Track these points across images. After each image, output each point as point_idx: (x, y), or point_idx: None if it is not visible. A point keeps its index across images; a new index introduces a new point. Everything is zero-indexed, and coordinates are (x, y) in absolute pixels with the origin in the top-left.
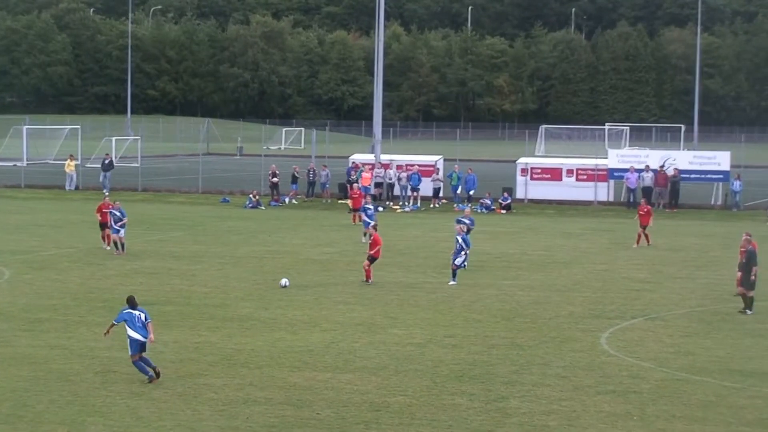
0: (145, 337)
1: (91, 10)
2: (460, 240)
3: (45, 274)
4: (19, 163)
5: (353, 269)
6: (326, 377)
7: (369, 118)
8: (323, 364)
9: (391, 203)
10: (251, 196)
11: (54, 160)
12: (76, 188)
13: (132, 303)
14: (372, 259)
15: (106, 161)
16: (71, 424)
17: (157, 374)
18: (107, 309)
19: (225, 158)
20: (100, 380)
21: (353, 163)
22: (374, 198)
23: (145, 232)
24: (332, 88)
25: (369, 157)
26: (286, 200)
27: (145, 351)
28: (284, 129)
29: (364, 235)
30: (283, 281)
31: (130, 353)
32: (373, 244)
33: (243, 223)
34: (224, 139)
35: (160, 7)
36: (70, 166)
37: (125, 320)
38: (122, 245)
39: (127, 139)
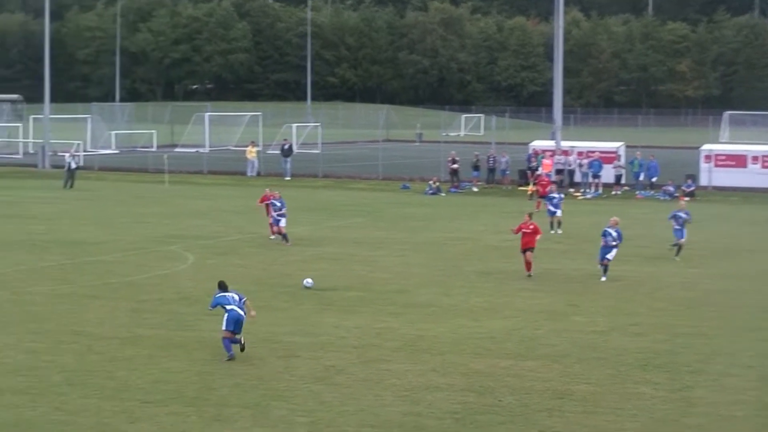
0: (243, 315)
1: None
2: (614, 233)
3: (228, 259)
4: (201, 150)
5: (535, 256)
6: (508, 364)
7: (549, 104)
8: (505, 351)
9: (572, 190)
10: (431, 182)
11: (235, 146)
12: (258, 174)
13: (223, 287)
14: (530, 249)
15: (286, 146)
16: (255, 408)
17: (242, 348)
18: (289, 294)
19: (404, 145)
20: (283, 365)
21: (533, 149)
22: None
23: (327, 219)
24: (511, 75)
25: (549, 144)
26: (470, 187)
27: (239, 333)
28: (464, 115)
29: (551, 225)
30: (307, 281)
31: (223, 328)
32: (534, 232)
33: (423, 209)
34: (403, 125)
35: None
36: (251, 153)
37: (220, 304)
38: (284, 236)
39: (307, 126)
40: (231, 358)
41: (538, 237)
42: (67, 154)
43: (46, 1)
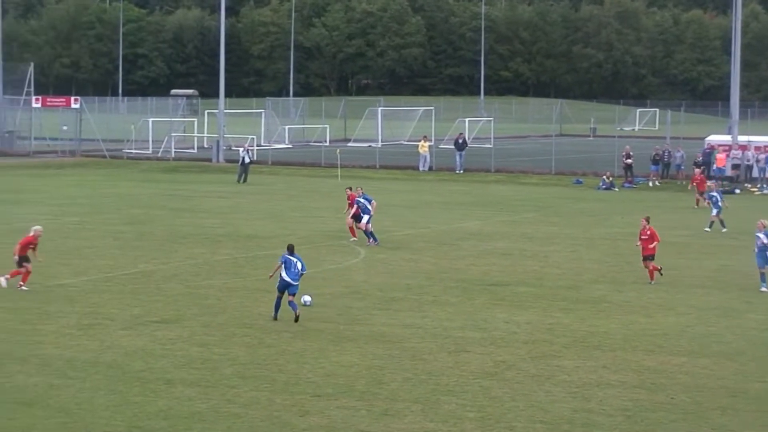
0: (295, 281)
1: None
2: (765, 239)
3: (399, 253)
4: (374, 144)
5: (709, 252)
6: (681, 361)
7: (725, 98)
8: (678, 348)
9: (749, 185)
10: (604, 177)
11: (408, 140)
12: (430, 169)
13: (291, 250)
14: (649, 257)
15: (459, 140)
16: (425, 402)
17: (296, 318)
18: (461, 289)
19: (578, 139)
20: (453, 360)
21: (708, 144)
22: (731, 180)
23: (498, 213)
24: (687, 68)
25: (726, 139)
26: (645, 182)
27: (293, 295)
28: (638, 110)
29: (720, 224)
30: (306, 299)
31: (277, 286)
32: (650, 239)
33: (596, 204)
34: (577, 119)
35: None
36: (423, 147)
37: (284, 263)
38: (370, 234)
39: (480, 120)
40: (274, 319)
41: (653, 244)
42: (241, 149)
43: None
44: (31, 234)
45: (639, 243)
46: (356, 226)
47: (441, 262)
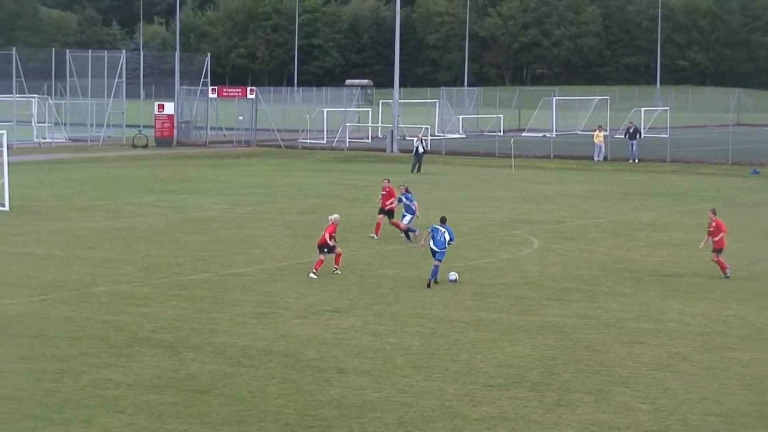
0: (440, 248)
1: None
2: None
3: (573, 244)
4: (548, 134)
5: None
6: None
7: None
8: None
9: None
10: None
11: (582, 131)
12: (605, 159)
13: (442, 221)
14: (717, 250)
15: (630, 129)
16: (598, 394)
17: (428, 284)
18: (635, 280)
19: (757, 129)
20: (627, 351)
21: None
22: None
23: (674, 204)
24: None
25: None
26: None
27: (439, 261)
28: None
29: None
30: (452, 275)
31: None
32: (716, 230)
33: None
34: (756, 109)
35: None
36: (598, 137)
37: (431, 231)
38: (405, 232)
39: (656, 110)
40: (428, 284)
41: (719, 236)
42: (415, 139)
43: None
44: (331, 223)
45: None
46: (390, 223)
47: (615, 253)
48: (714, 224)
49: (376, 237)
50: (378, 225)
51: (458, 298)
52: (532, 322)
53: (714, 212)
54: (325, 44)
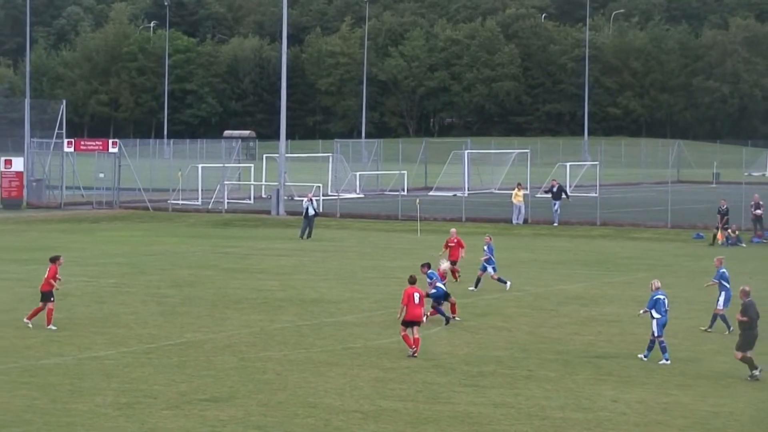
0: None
1: (543, 16)
2: None
3: (488, 320)
4: (459, 193)
5: None
6: None
7: None
8: None
9: None
10: (729, 231)
11: (499, 189)
12: (525, 222)
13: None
14: None
15: (554, 188)
16: None
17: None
18: (561, 362)
19: (698, 186)
20: None
21: None
22: None
23: (605, 273)
24: None
25: None
26: None
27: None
28: None
29: None
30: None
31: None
32: None
33: None
34: (698, 164)
35: (622, 11)
36: (517, 197)
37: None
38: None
39: (584, 165)
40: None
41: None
42: (305, 199)
43: (284, 24)
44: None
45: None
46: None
47: (537, 331)
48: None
49: (455, 281)
50: (453, 272)
51: (355, 384)
52: (441, 411)
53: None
54: (200, 89)
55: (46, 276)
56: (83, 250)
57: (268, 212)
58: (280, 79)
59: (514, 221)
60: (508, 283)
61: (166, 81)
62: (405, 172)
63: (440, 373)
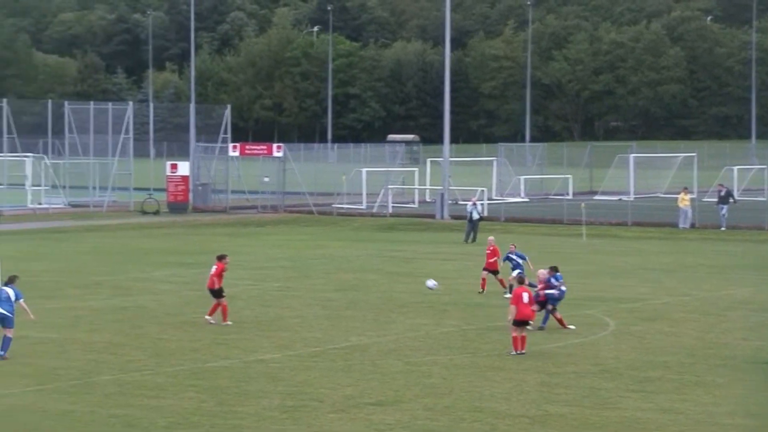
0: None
1: (708, 18)
2: None
3: (655, 325)
4: (625, 197)
5: None
6: None
7: None
8: None
9: None
10: None
11: (665, 193)
12: (692, 226)
13: None
14: None
15: (722, 193)
16: None
17: None
18: (729, 368)
19: None
20: None
21: None
22: None
23: None
24: None
25: None
26: None
27: None
28: None
29: None
30: (430, 283)
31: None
32: None
33: None
34: None
35: None
36: (684, 201)
37: None
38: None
39: (752, 169)
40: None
41: None
42: (468, 203)
43: (447, 28)
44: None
45: None
46: (496, 279)
47: (705, 336)
48: None
49: (482, 291)
50: (483, 280)
51: (522, 389)
52: (608, 417)
53: None
54: (363, 93)
55: (212, 273)
56: (248, 253)
57: (432, 216)
58: (443, 82)
59: (680, 226)
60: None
61: (330, 85)
62: (570, 176)
63: (607, 378)
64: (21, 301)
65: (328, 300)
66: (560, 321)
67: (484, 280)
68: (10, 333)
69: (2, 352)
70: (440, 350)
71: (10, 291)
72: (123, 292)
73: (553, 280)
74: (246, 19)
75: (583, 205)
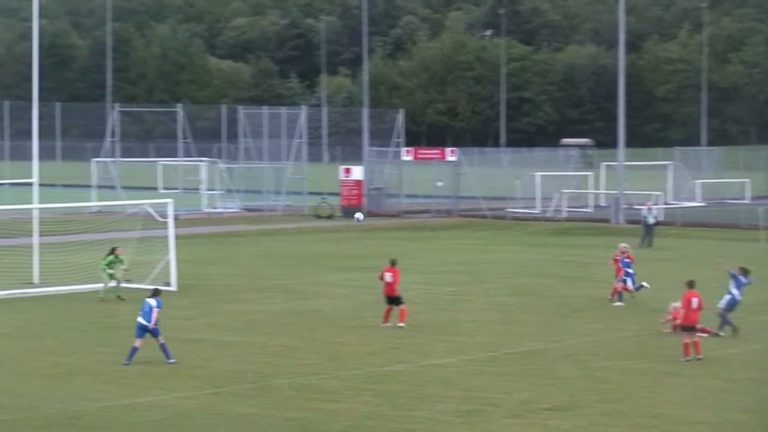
0: None
1: None
2: None
3: None
4: None
5: None
6: None
7: None
8: None
9: None
10: None
11: None
12: None
13: None
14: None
15: None
16: None
17: None
18: None
19: None
20: None
21: None
22: None
23: None
24: None
25: None
26: None
27: None
28: None
29: None
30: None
31: None
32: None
33: None
34: None
35: None
36: None
37: None
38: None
39: None
40: None
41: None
42: (644, 208)
43: (621, 31)
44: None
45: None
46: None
47: None
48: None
49: (611, 298)
50: (622, 288)
51: (699, 395)
52: None
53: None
54: (537, 97)
55: (391, 281)
56: (422, 258)
57: (607, 221)
58: (617, 86)
59: None
60: (644, 284)
61: (503, 89)
62: (747, 180)
63: None
64: (156, 309)
65: (502, 304)
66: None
67: (623, 288)
68: (161, 340)
69: (170, 360)
70: (616, 355)
71: (153, 302)
72: (298, 295)
73: (741, 279)
74: (418, 23)
75: (760, 209)
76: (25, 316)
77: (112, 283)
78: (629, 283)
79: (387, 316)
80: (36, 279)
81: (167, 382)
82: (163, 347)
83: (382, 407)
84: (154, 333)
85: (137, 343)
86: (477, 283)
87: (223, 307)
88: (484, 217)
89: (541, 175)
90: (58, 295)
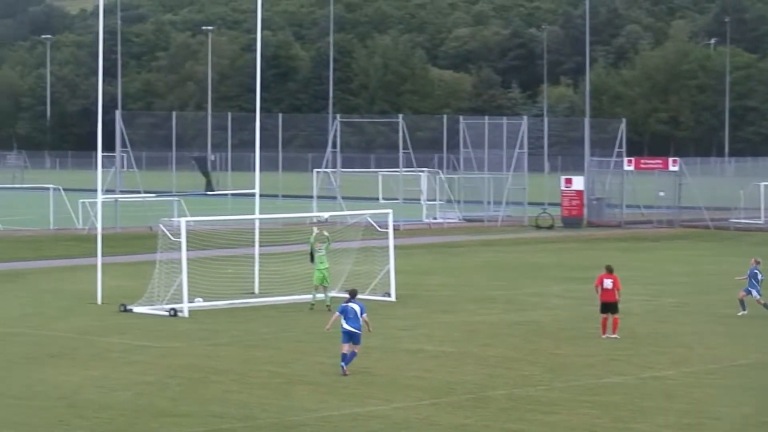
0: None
1: None
2: None
3: None
4: None
5: None
6: None
7: None
8: None
9: None
10: None
11: None
12: None
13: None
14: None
15: None
16: None
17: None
18: None
19: None
20: None
21: None
22: None
23: None
24: None
25: None
26: None
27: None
28: None
29: None
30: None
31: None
32: None
33: None
34: None
35: None
36: None
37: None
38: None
39: None
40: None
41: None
42: None
43: None
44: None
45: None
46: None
47: None
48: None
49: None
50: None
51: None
52: None
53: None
54: (762, 106)
55: (611, 287)
56: (644, 269)
57: None
58: None
59: None
60: None
61: (727, 98)
62: None
63: None
64: (364, 315)
65: (726, 316)
66: None
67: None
68: (357, 349)
69: (344, 364)
70: None
71: (356, 307)
72: (517, 306)
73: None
74: (642, 32)
75: None
76: (244, 325)
77: (320, 295)
78: (755, 294)
79: (605, 327)
80: (257, 289)
81: (386, 392)
82: (352, 356)
83: (600, 419)
84: (356, 339)
85: (345, 348)
86: (699, 295)
87: (442, 318)
88: (707, 227)
89: (766, 185)
90: (277, 305)
